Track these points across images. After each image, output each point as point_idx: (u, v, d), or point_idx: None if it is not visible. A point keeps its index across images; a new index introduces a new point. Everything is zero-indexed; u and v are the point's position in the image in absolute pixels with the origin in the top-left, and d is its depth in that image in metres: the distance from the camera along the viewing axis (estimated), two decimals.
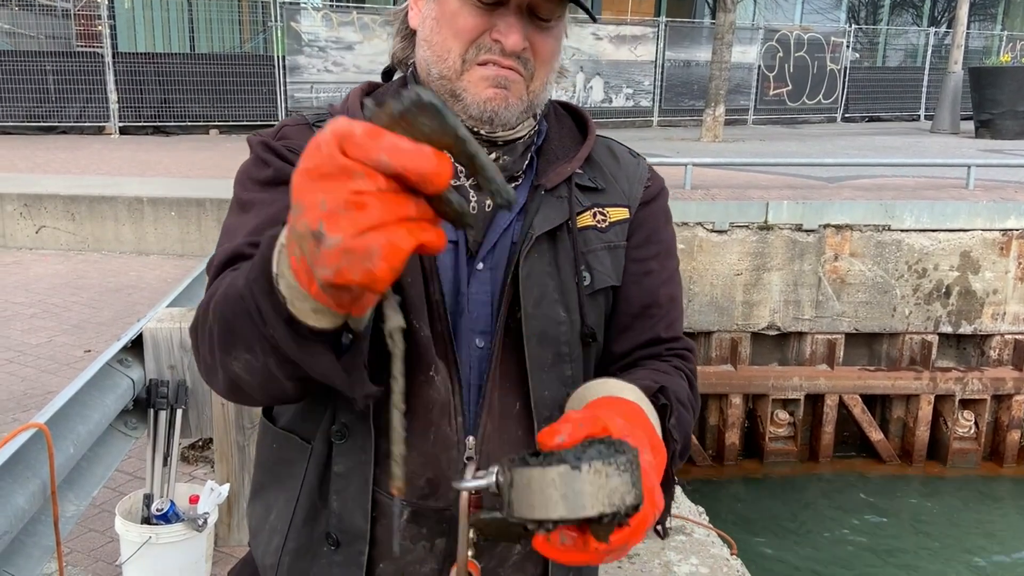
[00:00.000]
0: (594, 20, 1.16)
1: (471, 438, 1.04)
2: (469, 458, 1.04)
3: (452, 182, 1.01)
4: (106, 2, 13.66)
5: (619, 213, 1.13)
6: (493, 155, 1.08)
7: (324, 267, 0.62)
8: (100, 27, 13.81)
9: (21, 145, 11.60)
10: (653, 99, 16.18)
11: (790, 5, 20.45)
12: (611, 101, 15.95)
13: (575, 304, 1.08)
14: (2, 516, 2.11)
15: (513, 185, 1.09)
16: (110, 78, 12.95)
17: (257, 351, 0.82)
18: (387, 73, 1.20)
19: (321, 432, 1.05)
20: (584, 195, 1.11)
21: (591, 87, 15.73)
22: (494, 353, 1.04)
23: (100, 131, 13.19)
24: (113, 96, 13.00)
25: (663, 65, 15.95)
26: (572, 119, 1.20)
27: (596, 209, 1.12)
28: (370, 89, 1.15)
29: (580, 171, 1.12)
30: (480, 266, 1.05)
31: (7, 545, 2.18)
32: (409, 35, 1.12)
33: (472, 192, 1.08)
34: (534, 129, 1.12)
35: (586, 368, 1.12)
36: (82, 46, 18.18)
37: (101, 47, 13.45)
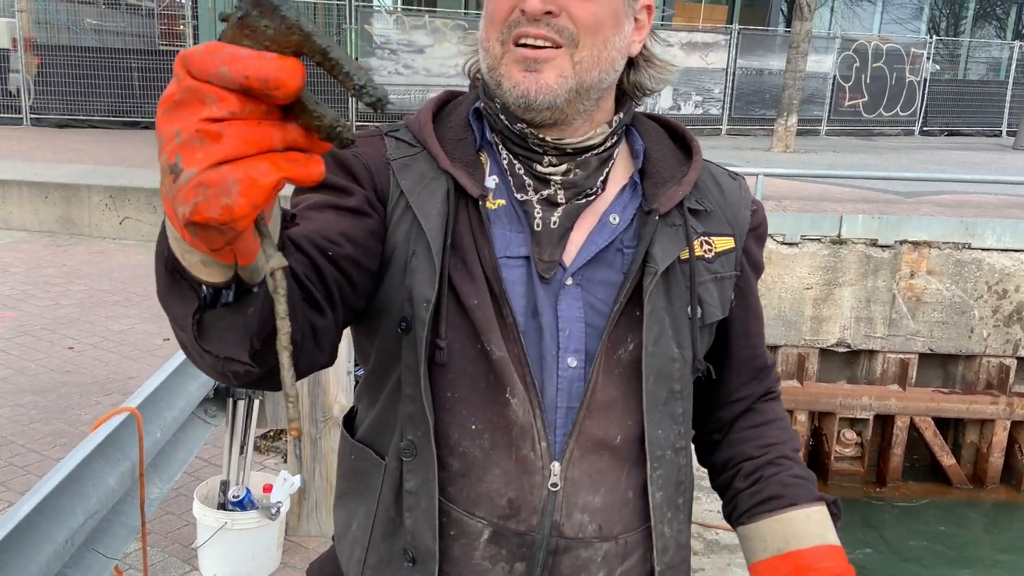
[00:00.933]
0: None
1: (556, 464, 0.99)
2: (554, 485, 0.99)
3: (519, 195, 1.00)
4: (189, 2, 14.11)
5: (724, 243, 1.08)
6: (564, 167, 1.02)
7: (182, 204, 0.56)
8: (183, 27, 14.27)
9: (107, 139, 12.06)
10: (723, 107, 15.96)
11: (868, 14, 19.96)
12: (679, 109, 15.79)
13: (687, 340, 1.03)
14: (94, 496, 2.20)
15: (586, 198, 1.03)
16: None
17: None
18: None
19: (393, 448, 1.02)
20: (694, 221, 1.05)
21: (659, 94, 15.58)
22: (592, 378, 0.99)
23: None
24: None
25: (734, 73, 15.73)
26: (668, 135, 1.12)
27: (703, 238, 1.06)
28: (448, 98, 1.11)
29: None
30: (570, 281, 1.00)
31: (96, 524, 2.27)
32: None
33: (538, 208, 1.02)
34: (612, 140, 1.04)
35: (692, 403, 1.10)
36: (165, 45, 18.82)
37: (183, 45, 13.90)
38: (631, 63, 1.05)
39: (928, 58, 17.14)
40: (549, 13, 0.93)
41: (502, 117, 1.01)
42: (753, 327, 1.17)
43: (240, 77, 0.53)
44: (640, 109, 1.12)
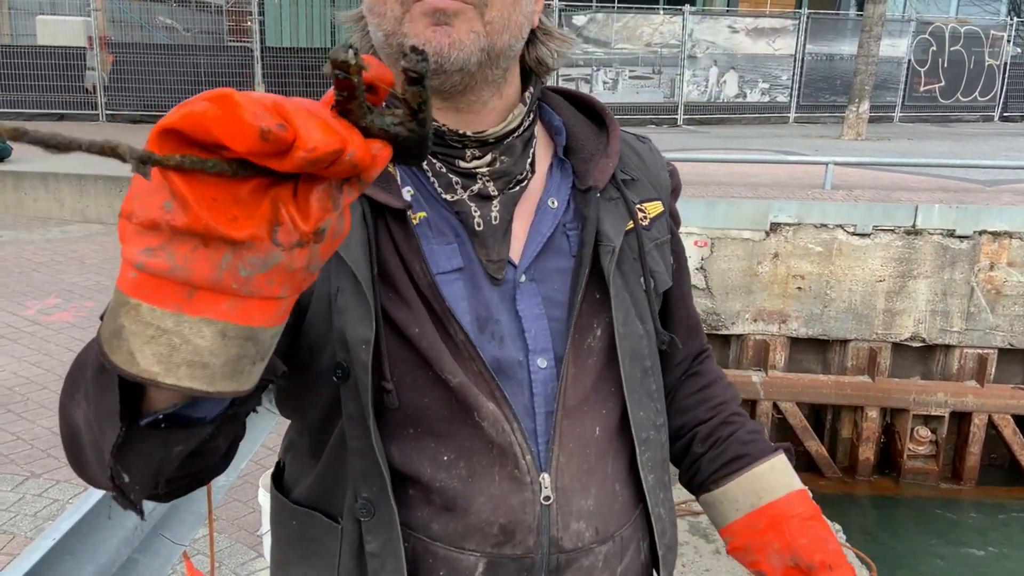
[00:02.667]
0: None
1: (545, 475, 0.91)
2: (547, 498, 0.91)
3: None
4: None
5: (655, 207, 1.04)
6: (488, 157, 0.93)
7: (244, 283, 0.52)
8: (250, 23, 14.55)
9: None
10: (791, 94, 15.56)
11: None
12: (745, 96, 15.46)
13: (647, 313, 0.99)
14: None
15: (518, 185, 0.95)
16: (258, 71, 13.63)
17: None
18: None
19: (348, 508, 0.91)
20: (627, 191, 1.00)
21: (724, 81, 15.30)
22: (564, 374, 0.92)
23: None
24: (261, 88, 13.67)
25: (803, 59, 15.31)
26: (574, 106, 1.05)
27: (638, 206, 1.01)
28: None
29: None
30: (523, 278, 0.93)
31: (165, 511, 2.31)
32: (362, 23, 0.95)
33: (472, 206, 0.93)
34: (529, 119, 0.97)
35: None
36: (233, 41, 19.25)
37: (250, 41, 14.18)
38: (530, 37, 0.96)
39: (1009, 40, 16.39)
40: None
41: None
42: (686, 286, 1.13)
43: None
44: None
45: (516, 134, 0.95)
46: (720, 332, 7.37)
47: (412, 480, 0.90)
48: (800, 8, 16.44)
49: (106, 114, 13.35)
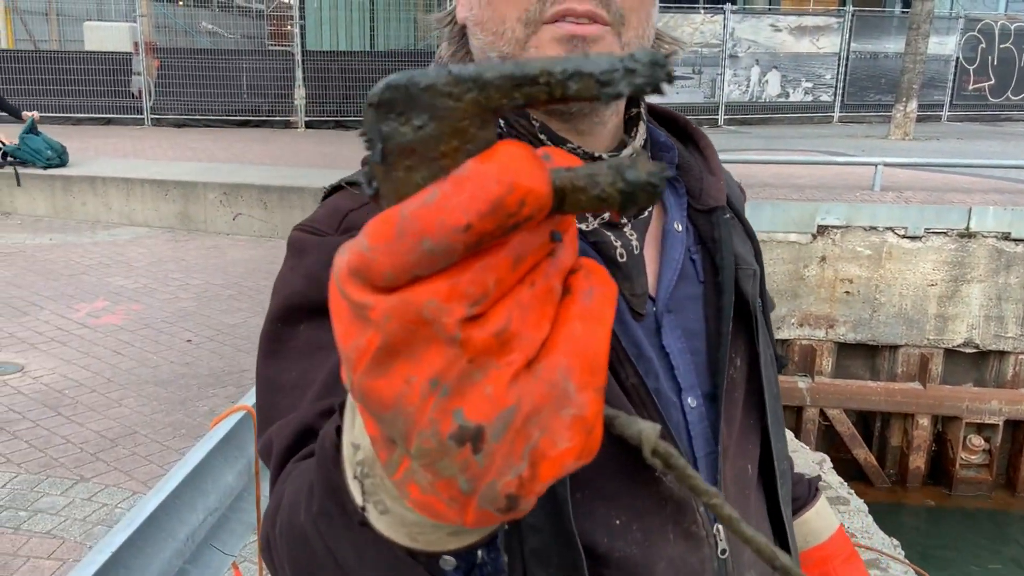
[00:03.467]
0: None
1: (718, 525, 0.84)
2: (723, 551, 0.84)
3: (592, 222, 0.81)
4: (297, 3, 14.51)
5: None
6: None
7: (503, 472, 0.34)
8: (291, 27, 14.69)
9: (221, 137, 12.54)
10: (835, 93, 15.29)
11: None
12: (788, 96, 15.23)
13: (767, 336, 0.93)
14: (214, 493, 2.24)
15: (642, 215, 0.87)
16: (298, 75, 13.75)
17: None
18: None
19: None
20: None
21: (767, 81, 15.08)
22: (721, 413, 0.85)
23: (287, 125, 14.04)
24: (300, 92, 13.79)
25: (847, 58, 15.03)
26: (655, 119, 0.97)
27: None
28: None
29: None
30: (665, 311, 0.86)
31: (216, 521, 2.30)
32: (459, 35, 0.88)
33: (610, 235, 0.83)
34: (646, 135, 0.89)
35: None
36: (274, 45, 19.47)
37: (291, 45, 14.31)
38: None
39: None
40: None
41: (542, 136, 0.81)
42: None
43: (456, 233, 0.31)
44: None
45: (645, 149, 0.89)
46: None
47: (588, 554, 0.77)
48: (844, 6, 16.14)
49: (151, 118, 13.57)
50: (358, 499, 0.45)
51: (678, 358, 0.84)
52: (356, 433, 0.43)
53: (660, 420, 0.80)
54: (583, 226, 0.84)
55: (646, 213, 0.88)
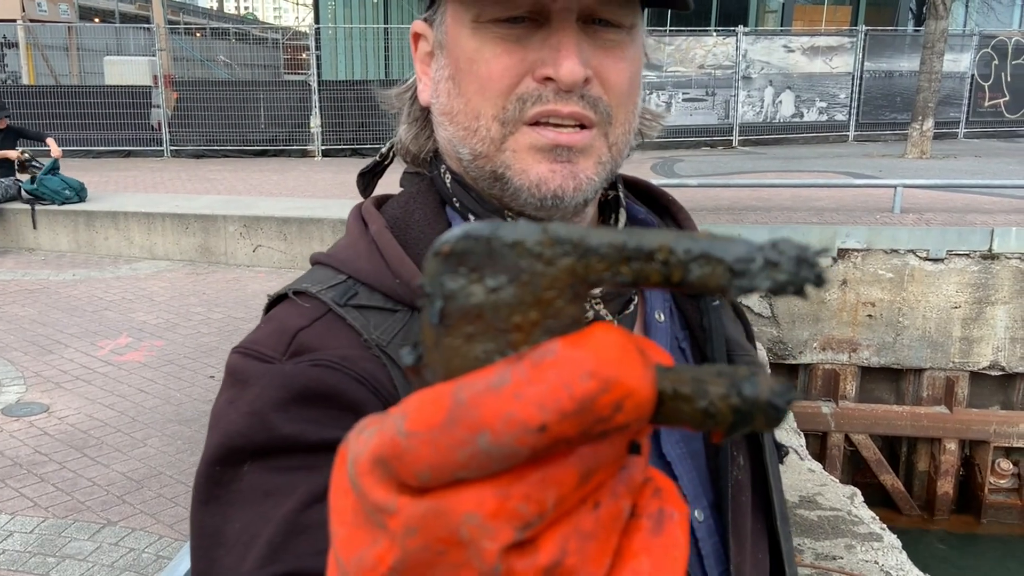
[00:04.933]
0: (686, 7, 0.72)
1: None
2: None
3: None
4: (313, 32, 14.68)
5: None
6: None
7: None
8: (307, 56, 14.85)
9: (239, 167, 12.66)
10: (849, 113, 15.26)
11: (1006, 9, 18.68)
12: (802, 116, 15.21)
13: None
14: None
15: (628, 310, 0.79)
16: (315, 103, 13.87)
17: None
18: (367, 173, 0.86)
19: None
20: None
21: (780, 101, 15.08)
22: (731, 521, 0.78)
23: (304, 153, 14.16)
24: (316, 120, 13.92)
25: (861, 77, 15.01)
26: (634, 194, 0.89)
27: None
28: (393, 214, 0.77)
29: None
30: None
31: None
32: (421, 118, 0.81)
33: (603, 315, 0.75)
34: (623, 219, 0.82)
35: None
36: (290, 74, 19.69)
37: (307, 75, 14.46)
38: None
39: None
40: (586, 82, 0.69)
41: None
42: None
43: (526, 435, 0.24)
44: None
45: None
46: (787, 361, 7.18)
47: None
48: (857, 25, 16.15)
49: (170, 150, 13.72)
50: None
51: (679, 466, 0.78)
52: None
53: None
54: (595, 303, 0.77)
55: (631, 307, 0.80)
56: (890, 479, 7.27)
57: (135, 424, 4.78)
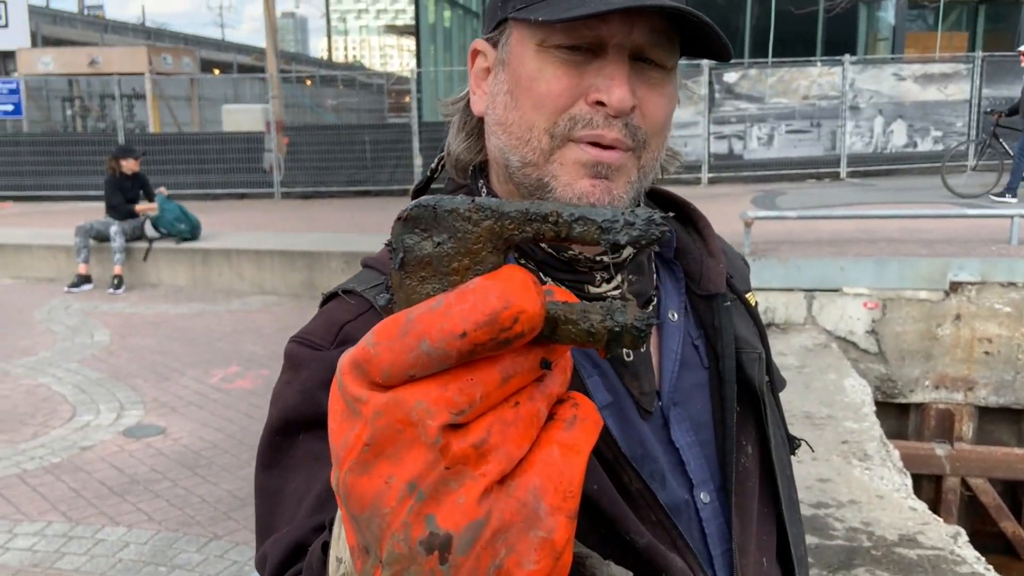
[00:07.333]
0: (725, 58, 0.78)
1: None
2: None
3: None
4: (415, 76, 15.22)
5: (751, 299, 0.95)
6: (619, 279, 0.83)
7: None
8: (409, 100, 15.38)
9: (344, 207, 13.18)
10: (968, 141, 14.57)
11: None
12: (916, 145, 14.63)
13: (778, 418, 0.93)
14: None
15: (649, 304, 0.87)
16: (415, 145, 14.33)
17: None
18: (419, 189, 0.92)
19: None
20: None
21: (891, 131, 14.56)
22: (731, 507, 0.82)
23: (405, 193, 14.60)
24: (418, 160, 14.36)
25: (979, 104, 14.35)
26: (658, 204, 0.95)
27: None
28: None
29: None
30: (671, 405, 0.84)
31: None
32: (474, 129, 0.88)
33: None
34: None
35: None
36: (393, 117, 20.43)
37: (408, 117, 14.97)
38: None
39: None
40: (631, 110, 0.76)
41: (544, 244, 0.79)
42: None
43: (453, 339, 0.34)
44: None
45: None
46: (897, 400, 6.85)
47: None
48: (974, 51, 15.49)
49: (281, 192, 14.42)
50: None
51: (687, 452, 0.83)
52: (340, 547, 0.46)
53: (669, 524, 0.78)
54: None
55: (649, 308, 0.86)
56: (1011, 526, 6.79)
57: (242, 446, 5.01)
